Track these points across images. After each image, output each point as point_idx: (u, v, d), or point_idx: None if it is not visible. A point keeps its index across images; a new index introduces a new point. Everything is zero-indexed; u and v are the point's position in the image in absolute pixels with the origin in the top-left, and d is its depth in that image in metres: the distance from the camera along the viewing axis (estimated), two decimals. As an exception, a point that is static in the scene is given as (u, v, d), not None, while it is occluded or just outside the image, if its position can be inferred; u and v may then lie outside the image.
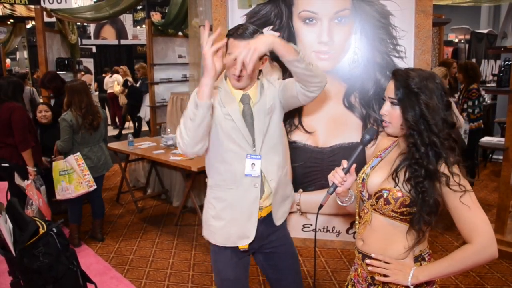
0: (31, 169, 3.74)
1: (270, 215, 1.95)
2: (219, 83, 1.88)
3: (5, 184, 3.95)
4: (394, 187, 1.44)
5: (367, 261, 1.49)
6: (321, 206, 1.63)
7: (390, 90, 1.47)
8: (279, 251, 2.01)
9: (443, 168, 1.38)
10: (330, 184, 1.57)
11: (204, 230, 2.00)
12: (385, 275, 1.44)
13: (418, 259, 1.49)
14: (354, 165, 1.54)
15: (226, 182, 1.88)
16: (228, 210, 1.89)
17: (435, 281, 1.52)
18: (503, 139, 3.97)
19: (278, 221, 1.98)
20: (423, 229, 1.42)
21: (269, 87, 1.93)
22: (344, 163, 1.55)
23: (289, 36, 2.54)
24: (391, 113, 1.48)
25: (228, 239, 1.91)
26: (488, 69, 8.15)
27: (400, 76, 1.45)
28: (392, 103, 1.47)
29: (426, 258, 1.52)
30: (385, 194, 1.46)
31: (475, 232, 1.36)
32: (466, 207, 1.36)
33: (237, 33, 1.76)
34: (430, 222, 1.41)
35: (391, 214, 1.46)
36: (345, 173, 1.54)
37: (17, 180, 3.54)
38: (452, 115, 1.43)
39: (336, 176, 1.55)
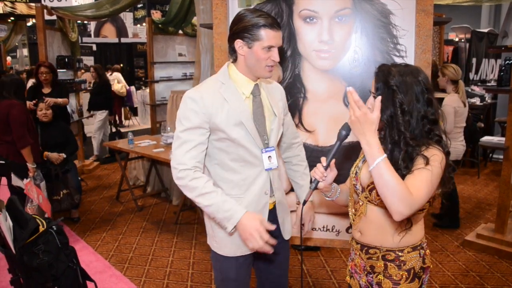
0: (30, 166, 3.74)
1: (273, 210, 1.91)
2: (221, 77, 1.77)
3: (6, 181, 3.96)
4: None
5: (350, 88, 1.39)
6: (305, 202, 1.72)
7: (372, 84, 1.52)
8: (280, 246, 1.93)
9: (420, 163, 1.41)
10: (312, 180, 1.62)
11: (209, 241, 1.93)
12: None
13: (417, 248, 1.56)
14: (333, 161, 1.59)
15: (236, 191, 1.79)
16: None
17: (428, 271, 1.60)
18: (503, 139, 3.97)
19: (287, 235, 1.99)
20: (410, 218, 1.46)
21: (279, 92, 1.94)
22: (323, 160, 1.59)
23: (290, 35, 2.53)
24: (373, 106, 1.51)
25: (238, 249, 1.83)
26: (489, 68, 8.14)
27: (381, 72, 1.49)
28: (374, 97, 1.52)
29: (424, 247, 1.60)
30: None
31: (419, 191, 1.34)
32: (423, 173, 1.37)
33: (273, 23, 1.66)
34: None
35: (384, 204, 1.49)
36: (325, 169, 1.58)
37: (14, 181, 3.42)
38: (435, 112, 1.46)
39: (317, 172, 1.59)
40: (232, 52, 1.74)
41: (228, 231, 1.68)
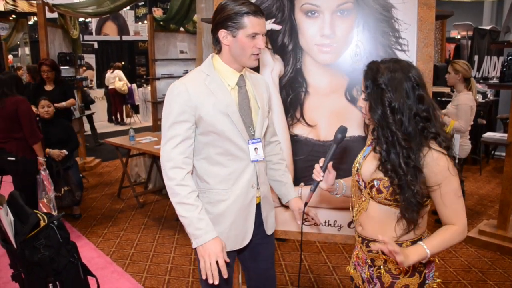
0: (42, 159, 3.76)
1: (258, 205, 1.89)
2: (206, 69, 1.75)
3: (9, 178, 3.96)
4: (385, 176, 1.48)
5: (373, 246, 1.48)
6: (306, 204, 1.73)
7: (362, 82, 1.51)
8: (264, 242, 1.97)
9: (423, 160, 1.42)
10: (313, 182, 1.65)
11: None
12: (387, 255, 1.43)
13: (417, 242, 1.53)
14: (331, 163, 1.61)
15: (223, 185, 1.78)
16: (226, 214, 1.79)
17: (433, 266, 1.59)
18: (505, 135, 3.96)
19: (270, 230, 1.97)
20: (412, 219, 1.46)
21: (263, 84, 1.92)
22: (321, 161, 1.62)
23: (291, 29, 2.52)
24: (364, 106, 1.53)
25: (227, 244, 1.79)
26: (491, 65, 8.11)
27: (370, 70, 1.47)
28: (364, 98, 1.51)
29: None
30: (377, 184, 1.50)
31: (459, 216, 1.45)
32: (450, 195, 1.43)
33: (256, 10, 1.63)
34: (412, 218, 1.46)
35: (386, 202, 1.51)
36: (323, 171, 1.61)
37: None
38: (428, 108, 1.43)
39: (315, 173, 1.63)
40: (216, 43, 1.72)
41: (192, 246, 1.70)
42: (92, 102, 8.40)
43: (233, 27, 1.63)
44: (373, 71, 1.45)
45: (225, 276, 1.62)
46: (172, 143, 1.68)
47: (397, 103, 1.40)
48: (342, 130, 1.62)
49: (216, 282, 1.61)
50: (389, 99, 1.40)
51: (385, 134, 1.43)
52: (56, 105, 4.53)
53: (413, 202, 1.41)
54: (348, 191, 1.75)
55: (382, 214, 1.54)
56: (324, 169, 1.60)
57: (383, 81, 1.41)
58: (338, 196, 1.76)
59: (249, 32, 1.63)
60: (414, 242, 1.53)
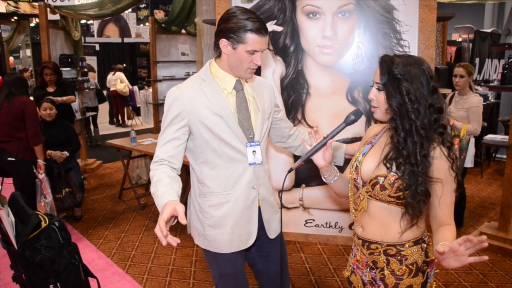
0: (41, 162, 3.78)
1: (259, 207, 1.89)
2: (203, 74, 1.80)
3: (10, 180, 3.97)
4: (389, 172, 1.48)
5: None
6: (290, 170, 1.70)
7: (377, 75, 1.51)
8: (271, 241, 1.96)
9: (432, 153, 1.44)
10: (305, 152, 1.64)
11: (198, 240, 1.92)
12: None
13: (419, 241, 1.55)
14: (331, 141, 1.60)
15: (223, 188, 1.80)
16: (228, 216, 1.81)
17: (434, 264, 1.59)
18: (506, 137, 3.95)
19: (272, 234, 1.95)
20: (416, 213, 1.46)
21: (264, 87, 1.92)
22: (324, 134, 1.61)
23: (293, 30, 2.53)
24: (377, 98, 1.52)
25: (232, 245, 1.84)
26: (492, 68, 8.11)
27: (385, 62, 1.48)
28: (378, 88, 1.51)
29: (426, 241, 1.58)
30: (381, 180, 1.49)
31: (451, 216, 1.49)
32: (450, 194, 1.46)
33: (260, 28, 1.65)
34: (419, 208, 1.45)
35: (387, 199, 1.50)
36: (322, 145, 1.59)
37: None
38: (440, 100, 1.45)
39: (313, 142, 1.64)
40: (217, 48, 1.75)
41: None
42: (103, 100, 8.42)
43: (234, 40, 1.66)
44: (387, 63, 1.47)
45: (164, 242, 1.46)
46: (160, 143, 1.76)
47: (414, 93, 1.42)
48: (356, 112, 1.61)
49: (164, 243, 1.47)
50: (407, 89, 1.42)
51: (404, 123, 1.43)
52: (54, 98, 4.53)
53: (419, 193, 1.41)
54: (339, 183, 1.72)
55: (383, 214, 1.54)
56: (324, 140, 1.59)
57: (399, 71, 1.43)
58: (326, 181, 1.73)
59: (248, 48, 1.66)
60: (416, 242, 1.53)
